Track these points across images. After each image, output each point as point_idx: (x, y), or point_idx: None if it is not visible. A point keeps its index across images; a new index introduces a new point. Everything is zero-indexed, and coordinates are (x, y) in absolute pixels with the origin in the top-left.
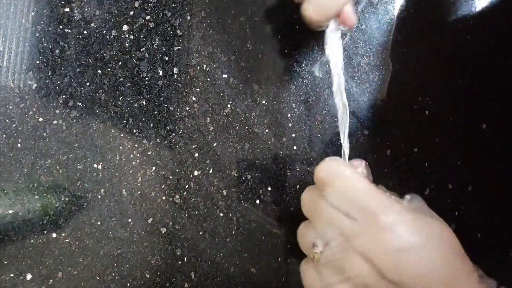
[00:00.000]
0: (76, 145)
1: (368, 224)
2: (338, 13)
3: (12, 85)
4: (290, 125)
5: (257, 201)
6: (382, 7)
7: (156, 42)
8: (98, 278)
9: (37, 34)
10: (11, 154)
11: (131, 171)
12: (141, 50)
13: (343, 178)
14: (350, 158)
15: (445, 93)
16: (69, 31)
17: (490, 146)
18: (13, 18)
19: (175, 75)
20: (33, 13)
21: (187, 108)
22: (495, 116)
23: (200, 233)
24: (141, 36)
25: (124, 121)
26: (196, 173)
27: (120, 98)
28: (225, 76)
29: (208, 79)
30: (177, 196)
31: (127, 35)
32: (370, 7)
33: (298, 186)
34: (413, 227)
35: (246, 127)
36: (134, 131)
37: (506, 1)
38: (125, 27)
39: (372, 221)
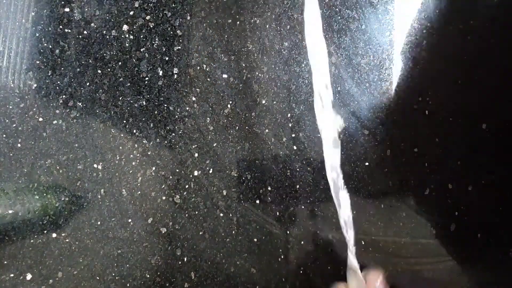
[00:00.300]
0: (76, 145)
1: None
2: None
3: (12, 85)
4: (290, 125)
5: (257, 201)
6: (382, 7)
7: (156, 42)
8: (98, 278)
9: (37, 34)
10: (11, 154)
11: (131, 171)
12: (141, 50)
13: None
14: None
15: (445, 93)
16: (69, 31)
17: (490, 146)
18: (13, 18)
19: (175, 75)
20: (33, 13)
21: (187, 108)
22: (495, 116)
23: (200, 233)
24: (141, 36)
25: (124, 121)
26: (196, 173)
27: (120, 98)
28: (225, 76)
29: (208, 79)
30: (177, 196)
31: (127, 35)
32: (370, 7)
33: (298, 186)
34: None
35: (246, 127)
36: (134, 131)
37: (506, 1)
38: (125, 27)
39: None
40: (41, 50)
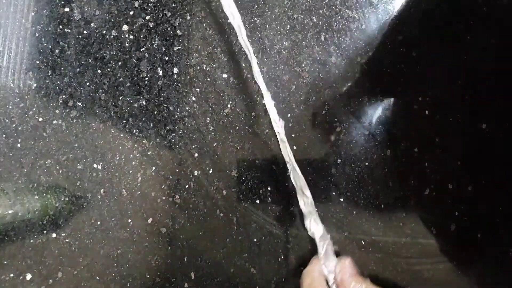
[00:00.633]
0: (76, 145)
1: None
2: None
3: (12, 85)
4: (290, 125)
5: (257, 201)
6: (382, 7)
7: (156, 42)
8: (98, 278)
9: (37, 34)
10: (11, 154)
11: (131, 171)
12: (141, 50)
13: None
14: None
15: (445, 93)
16: (69, 31)
17: (490, 146)
18: (13, 18)
19: (175, 75)
20: (33, 13)
21: (187, 108)
22: (495, 116)
23: (200, 233)
24: (141, 36)
25: (124, 121)
26: (196, 173)
27: (120, 98)
28: (225, 76)
29: (208, 79)
30: (177, 196)
31: (127, 35)
32: (370, 7)
33: None
34: None
35: (246, 127)
36: (134, 131)
37: (506, 1)
38: (125, 27)
39: None
40: (41, 50)
